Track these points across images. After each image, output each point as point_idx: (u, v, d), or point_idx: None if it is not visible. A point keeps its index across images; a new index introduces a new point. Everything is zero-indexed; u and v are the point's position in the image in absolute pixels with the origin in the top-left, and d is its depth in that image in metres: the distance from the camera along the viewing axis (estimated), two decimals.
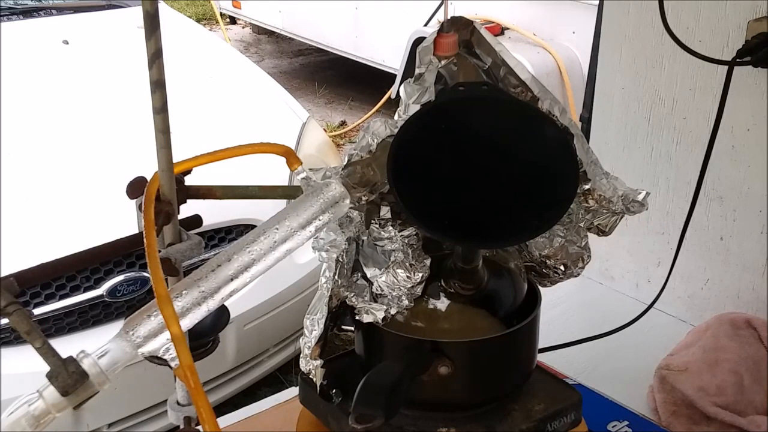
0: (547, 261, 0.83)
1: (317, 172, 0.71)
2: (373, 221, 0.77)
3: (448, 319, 0.80)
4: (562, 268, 0.83)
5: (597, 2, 1.90)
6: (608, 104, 1.44)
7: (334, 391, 0.79)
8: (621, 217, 0.82)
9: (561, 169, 0.73)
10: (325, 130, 3.97)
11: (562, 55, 4.00)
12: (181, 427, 0.86)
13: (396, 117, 0.77)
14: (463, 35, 0.77)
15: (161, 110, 0.69)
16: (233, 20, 7.71)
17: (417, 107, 0.75)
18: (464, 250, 0.77)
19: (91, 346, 0.54)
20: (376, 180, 0.75)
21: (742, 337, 1.15)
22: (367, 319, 0.75)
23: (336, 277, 0.75)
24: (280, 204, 0.70)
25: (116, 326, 0.79)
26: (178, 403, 0.85)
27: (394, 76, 4.79)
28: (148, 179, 0.69)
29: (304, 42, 6.16)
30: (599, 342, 1.11)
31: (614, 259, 1.45)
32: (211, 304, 0.55)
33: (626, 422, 0.98)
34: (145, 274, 2.05)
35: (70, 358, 0.53)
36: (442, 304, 0.80)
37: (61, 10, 3.28)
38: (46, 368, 0.53)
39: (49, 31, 3.04)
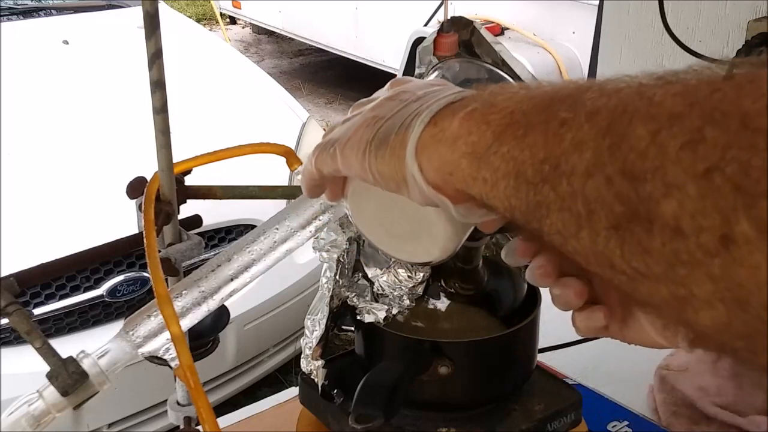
0: None
1: None
2: None
3: (448, 319, 0.80)
4: None
5: (597, 2, 1.91)
6: None
7: (335, 391, 0.79)
8: None
9: None
10: (324, 130, 3.97)
11: (562, 55, 4.01)
12: (181, 427, 0.86)
13: None
14: (463, 35, 0.77)
15: (161, 110, 0.69)
16: (233, 20, 7.72)
17: None
18: (464, 249, 0.77)
19: (91, 346, 0.54)
20: None
21: None
22: (368, 319, 0.75)
23: (337, 277, 0.75)
24: (280, 204, 0.70)
25: (116, 326, 0.79)
26: (178, 403, 0.85)
27: (394, 76, 4.79)
28: (148, 179, 0.69)
29: (304, 42, 6.17)
30: (599, 342, 1.11)
31: None
32: (211, 304, 0.55)
33: (626, 422, 0.98)
34: (145, 274, 2.05)
35: (70, 358, 0.53)
36: (442, 304, 0.80)
37: (61, 10, 3.28)
38: (46, 368, 0.53)
39: (49, 31, 3.05)
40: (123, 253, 1.93)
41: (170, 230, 0.76)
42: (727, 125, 0.26)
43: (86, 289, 2.00)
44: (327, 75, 6.35)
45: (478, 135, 0.37)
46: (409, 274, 0.76)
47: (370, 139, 0.43)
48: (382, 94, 0.50)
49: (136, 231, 0.79)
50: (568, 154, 0.31)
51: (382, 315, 0.75)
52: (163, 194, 0.72)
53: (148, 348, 0.53)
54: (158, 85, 0.68)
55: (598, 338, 1.09)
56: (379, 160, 0.43)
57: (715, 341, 0.29)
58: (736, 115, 0.26)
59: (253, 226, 1.30)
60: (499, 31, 4.28)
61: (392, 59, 4.91)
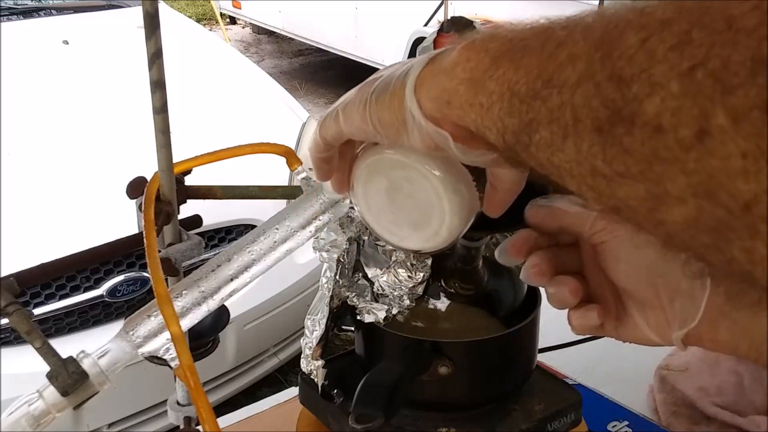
0: None
1: None
2: None
3: (448, 319, 0.80)
4: None
5: (597, 2, 1.91)
6: None
7: (335, 391, 0.79)
8: None
9: None
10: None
11: None
12: (181, 427, 0.86)
13: None
14: (463, 35, 0.77)
15: (161, 110, 0.70)
16: (233, 20, 7.72)
17: None
18: (464, 249, 0.77)
19: (91, 346, 0.54)
20: None
21: None
22: (368, 319, 0.75)
23: (337, 277, 0.75)
24: (280, 204, 0.70)
25: (116, 326, 0.79)
26: (178, 403, 0.85)
27: None
28: (148, 179, 0.69)
29: (304, 42, 6.17)
30: (599, 342, 1.11)
31: None
32: (211, 304, 0.55)
33: (626, 422, 0.98)
34: (145, 274, 2.05)
35: (70, 358, 0.53)
36: (442, 304, 0.80)
37: (61, 10, 3.28)
38: (46, 368, 0.53)
39: (49, 31, 3.05)
40: (123, 253, 1.93)
41: (170, 230, 0.76)
42: (713, 27, 0.27)
43: (86, 289, 2.00)
44: (327, 75, 6.35)
45: (477, 61, 0.38)
46: (410, 274, 0.76)
47: (371, 92, 0.45)
48: None
49: (136, 231, 0.79)
50: (562, 68, 0.32)
51: (382, 315, 0.75)
52: (163, 194, 0.72)
53: (148, 348, 0.53)
54: (158, 85, 0.68)
55: (598, 338, 1.09)
56: (379, 106, 0.44)
57: (684, 241, 0.30)
58: (722, 18, 0.27)
59: (253, 226, 1.30)
60: None
61: (392, 59, 4.90)
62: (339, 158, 0.51)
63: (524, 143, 0.35)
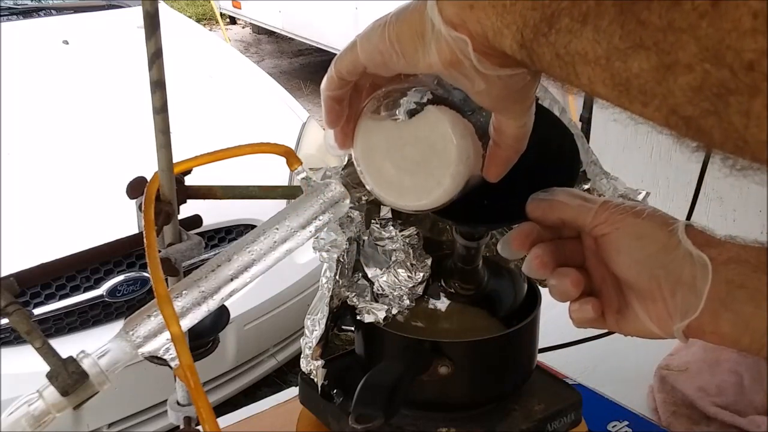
0: None
1: (317, 172, 0.70)
2: (373, 221, 0.77)
3: (448, 319, 0.80)
4: None
5: None
6: (608, 104, 1.44)
7: (335, 391, 0.79)
8: None
9: (561, 164, 0.72)
10: (324, 130, 3.96)
11: None
12: (181, 427, 0.86)
13: None
14: None
15: (161, 110, 0.70)
16: (233, 20, 7.72)
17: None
18: (464, 249, 0.77)
19: (91, 346, 0.54)
20: None
21: None
22: (368, 319, 0.75)
23: (337, 277, 0.75)
24: (280, 204, 0.70)
25: (116, 326, 0.79)
26: (178, 403, 0.85)
27: None
28: (148, 179, 0.69)
29: (304, 42, 6.17)
30: (599, 342, 1.11)
31: None
32: (211, 304, 0.55)
33: (626, 422, 0.98)
34: (145, 274, 2.05)
35: (70, 358, 0.53)
36: (442, 304, 0.80)
37: (61, 10, 3.28)
38: (46, 368, 0.53)
39: (49, 31, 3.05)
40: (123, 253, 1.93)
41: (170, 230, 0.76)
42: None
43: (86, 289, 2.00)
44: None
45: None
46: (409, 274, 0.76)
47: (390, 14, 0.45)
48: None
49: (136, 231, 0.79)
50: None
51: (382, 315, 0.75)
52: (163, 194, 0.72)
53: (148, 348, 0.53)
54: (158, 85, 0.68)
55: (598, 337, 1.09)
56: (399, 23, 0.44)
57: (686, 112, 0.32)
58: None
59: (253, 226, 1.30)
60: None
61: None
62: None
63: (543, 33, 0.37)
